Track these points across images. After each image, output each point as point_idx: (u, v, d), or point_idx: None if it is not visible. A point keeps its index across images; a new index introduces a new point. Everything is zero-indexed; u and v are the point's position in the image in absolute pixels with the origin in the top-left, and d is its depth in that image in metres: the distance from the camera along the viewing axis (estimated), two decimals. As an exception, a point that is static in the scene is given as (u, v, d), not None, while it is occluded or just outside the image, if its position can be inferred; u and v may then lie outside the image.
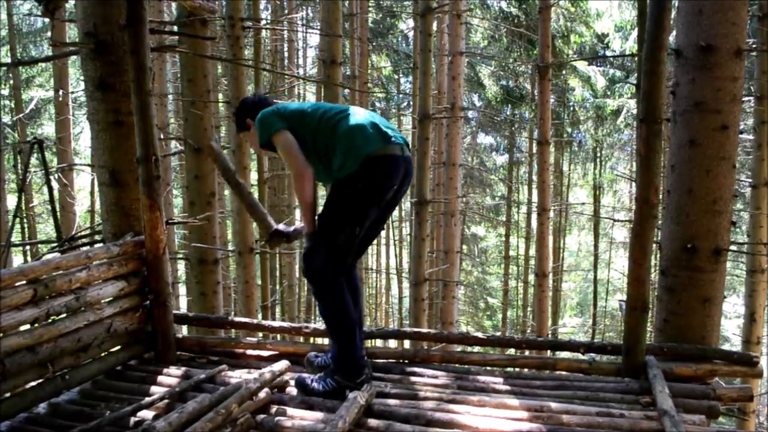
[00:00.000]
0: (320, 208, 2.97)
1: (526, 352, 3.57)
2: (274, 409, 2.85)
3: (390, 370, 3.36)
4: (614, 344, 3.45)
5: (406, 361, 3.49)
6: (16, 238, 11.78)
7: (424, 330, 5.91)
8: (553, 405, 2.75)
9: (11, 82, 13.34)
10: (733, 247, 4.11)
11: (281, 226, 3.15)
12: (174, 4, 8.33)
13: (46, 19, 9.77)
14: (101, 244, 3.66)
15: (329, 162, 2.86)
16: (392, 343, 4.50)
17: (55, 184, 8.40)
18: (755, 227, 7.48)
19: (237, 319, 3.88)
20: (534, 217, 14.49)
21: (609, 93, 17.37)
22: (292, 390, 3.06)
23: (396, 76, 21.19)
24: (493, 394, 2.96)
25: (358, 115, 2.83)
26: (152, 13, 8.82)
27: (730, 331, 15.38)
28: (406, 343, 6.34)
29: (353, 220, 2.79)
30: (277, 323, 3.75)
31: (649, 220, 3.03)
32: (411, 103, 16.91)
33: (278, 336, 5.83)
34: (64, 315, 3.05)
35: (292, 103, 3.02)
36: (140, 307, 3.59)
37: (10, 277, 2.78)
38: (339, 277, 2.88)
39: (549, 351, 3.80)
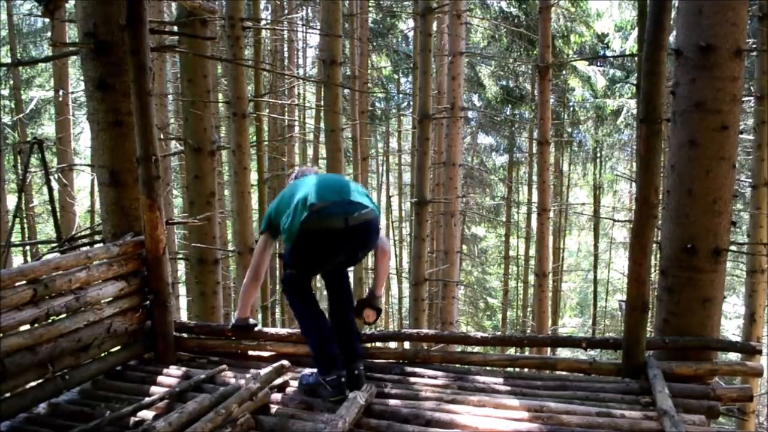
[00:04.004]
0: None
1: (527, 351, 3.56)
2: (274, 409, 2.85)
3: (390, 370, 3.36)
4: (616, 338, 3.45)
5: (406, 362, 3.49)
6: (16, 238, 11.79)
7: (425, 331, 5.91)
8: (553, 405, 2.75)
9: (11, 82, 13.34)
10: (733, 247, 4.10)
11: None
12: (174, 4, 8.34)
13: (46, 19, 9.76)
14: (101, 244, 3.66)
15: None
16: (392, 344, 4.49)
17: (55, 184, 8.40)
18: (755, 227, 7.47)
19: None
20: (534, 217, 14.49)
21: (609, 93, 17.37)
22: (292, 390, 3.06)
23: (396, 76, 21.19)
24: (493, 395, 2.96)
25: (306, 187, 3.05)
26: (152, 13, 8.81)
27: (730, 331, 15.38)
28: (406, 344, 6.34)
29: (297, 268, 3.13)
30: (277, 330, 3.74)
31: (649, 220, 3.03)
32: (411, 103, 16.91)
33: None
34: (64, 315, 3.05)
35: (292, 191, 3.19)
36: (140, 307, 3.59)
37: (10, 277, 2.78)
38: (295, 296, 3.19)
39: (551, 348, 3.79)
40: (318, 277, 4.29)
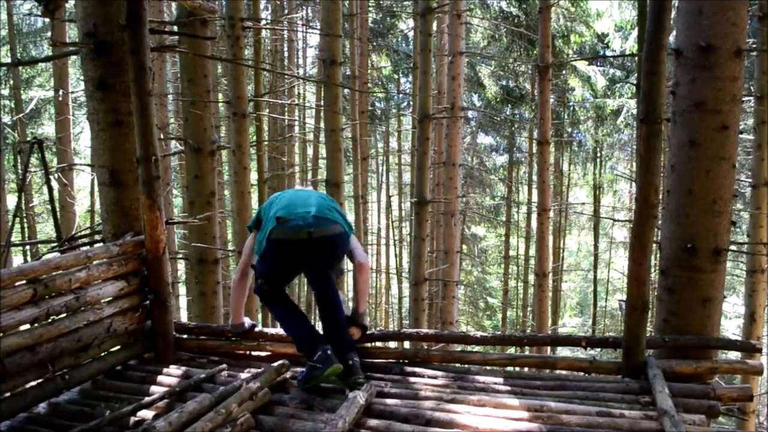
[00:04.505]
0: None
1: (527, 351, 3.57)
2: (274, 409, 2.85)
3: (390, 370, 3.36)
4: (616, 337, 3.46)
5: (406, 361, 3.49)
6: (16, 238, 11.78)
7: (424, 330, 5.90)
8: (553, 405, 2.74)
9: (11, 82, 13.34)
10: (733, 247, 4.10)
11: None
12: (174, 4, 8.34)
13: (46, 19, 9.76)
14: (101, 244, 3.66)
15: None
16: (392, 343, 4.49)
17: (55, 184, 8.40)
18: (755, 227, 7.47)
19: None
20: (534, 217, 14.49)
21: (609, 93, 17.37)
22: (292, 390, 3.06)
23: (396, 76, 21.19)
24: (493, 394, 2.96)
25: (281, 202, 3.28)
26: (152, 13, 8.81)
27: (730, 331, 15.38)
28: (406, 343, 6.33)
29: (265, 278, 3.30)
30: (277, 330, 3.74)
31: (649, 220, 3.03)
32: (411, 103, 16.91)
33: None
34: (63, 315, 3.05)
35: (274, 201, 3.43)
36: (140, 307, 3.59)
37: (10, 277, 2.78)
38: (270, 301, 3.36)
39: (550, 348, 3.80)
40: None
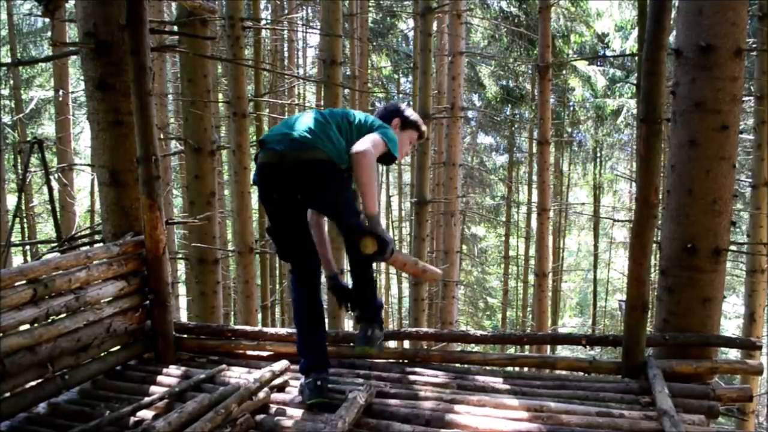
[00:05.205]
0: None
1: (527, 350, 3.57)
2: (274, 409, 2.85)
3: (390, 370, 3.36)
4: (615, 335, 3.46)
5: (406, 361, 3.49)
6: (16, 238, 11.78)
7: (424, 329, 5.91)
8: (553, 405, 2.74)
9: (11, 82, 13.34)
10: (733, 247, 4.10)
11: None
12: (174, 4, 8.34)
13: (46, 19, 9.76)
14: (101, 244, 3.66)
15: None
16: (392, 343, 4.49)
17: (55, 184, 8.39)
18: (755, 227, 7.47)
19: (237, 327, 3.87)
20: (534, 217, 14.49)
21: (609, 93, 17.37)
22: (292, 390, 3.06)
23: (396, 76, 21.18)
24: (492, 394, 2.96)
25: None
26: (152, 13, 8.80)
27: (730, 330, 15.39)
28: (406, 343, 6.33)
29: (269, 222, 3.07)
30: (277, 330, 3.73)
31: (649, 220, 3.03)
32: (411, 103, 16.89)
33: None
34: (63, 315, 3.04)
35: None
36: (140, 307, 3.59)
37: (10, 277, 2.78)
38: (292, 274, 3.09)
39: (550, 347, 3.80)
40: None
